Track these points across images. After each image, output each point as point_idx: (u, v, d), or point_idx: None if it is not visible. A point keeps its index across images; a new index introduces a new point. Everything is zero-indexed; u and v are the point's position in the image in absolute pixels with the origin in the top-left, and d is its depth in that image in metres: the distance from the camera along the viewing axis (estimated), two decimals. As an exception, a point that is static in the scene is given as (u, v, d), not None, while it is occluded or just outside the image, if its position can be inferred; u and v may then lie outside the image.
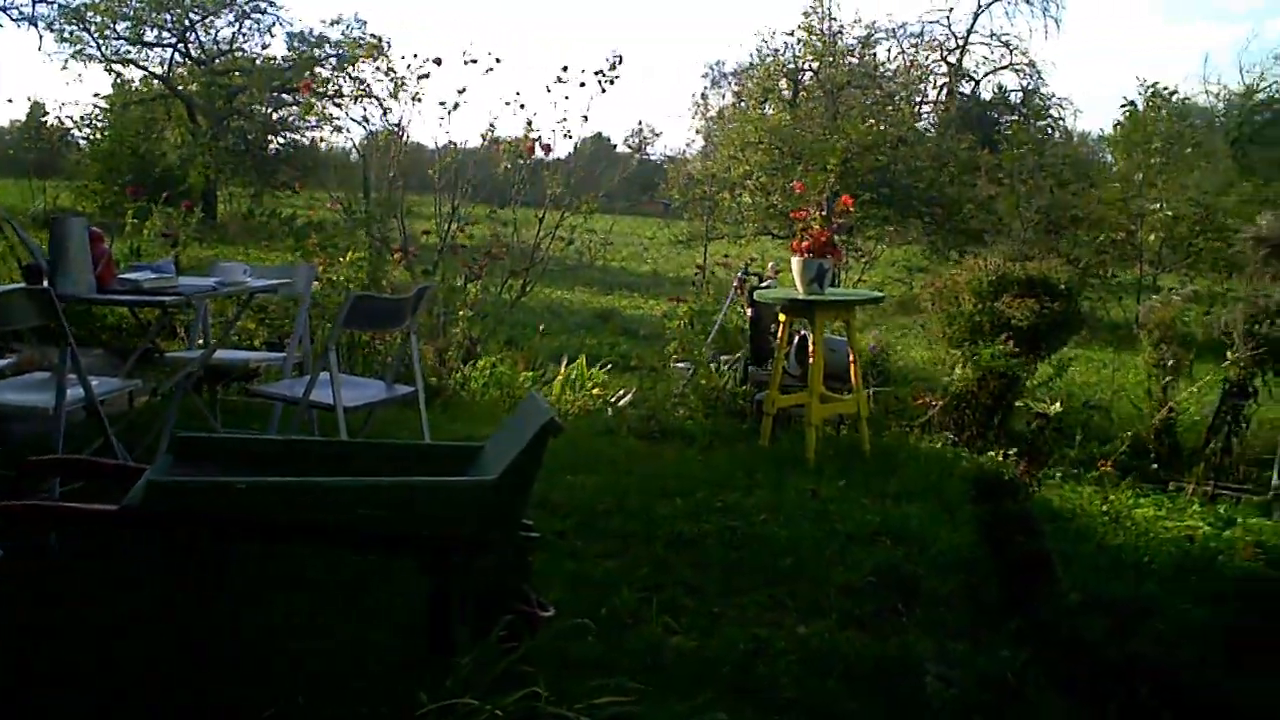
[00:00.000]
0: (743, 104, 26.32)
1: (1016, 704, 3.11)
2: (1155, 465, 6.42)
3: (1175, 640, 3.52)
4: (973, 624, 3.72)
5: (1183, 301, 6.88)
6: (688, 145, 33.26)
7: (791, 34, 25.92)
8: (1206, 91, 26.13)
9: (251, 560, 3.69)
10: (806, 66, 25.81)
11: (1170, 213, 14.68)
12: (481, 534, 2.96)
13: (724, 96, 30.71)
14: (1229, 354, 6.30)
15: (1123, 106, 16.99)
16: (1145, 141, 16.15)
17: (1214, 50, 52.44)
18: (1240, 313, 6.25)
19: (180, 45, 25.51)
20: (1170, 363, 6.60)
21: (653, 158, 36.39)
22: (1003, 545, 3.88)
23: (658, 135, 48.39)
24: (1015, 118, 29.43)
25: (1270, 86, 24.89)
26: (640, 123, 39.51)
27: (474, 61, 8.00)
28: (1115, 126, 17.51)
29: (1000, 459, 6.15)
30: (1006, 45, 31.35)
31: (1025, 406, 6.70)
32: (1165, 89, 16.97)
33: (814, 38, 25.00)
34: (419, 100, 8.66)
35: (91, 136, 23.47)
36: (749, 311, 7.35)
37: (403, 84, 8.78)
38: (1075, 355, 9.53)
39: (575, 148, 8.82)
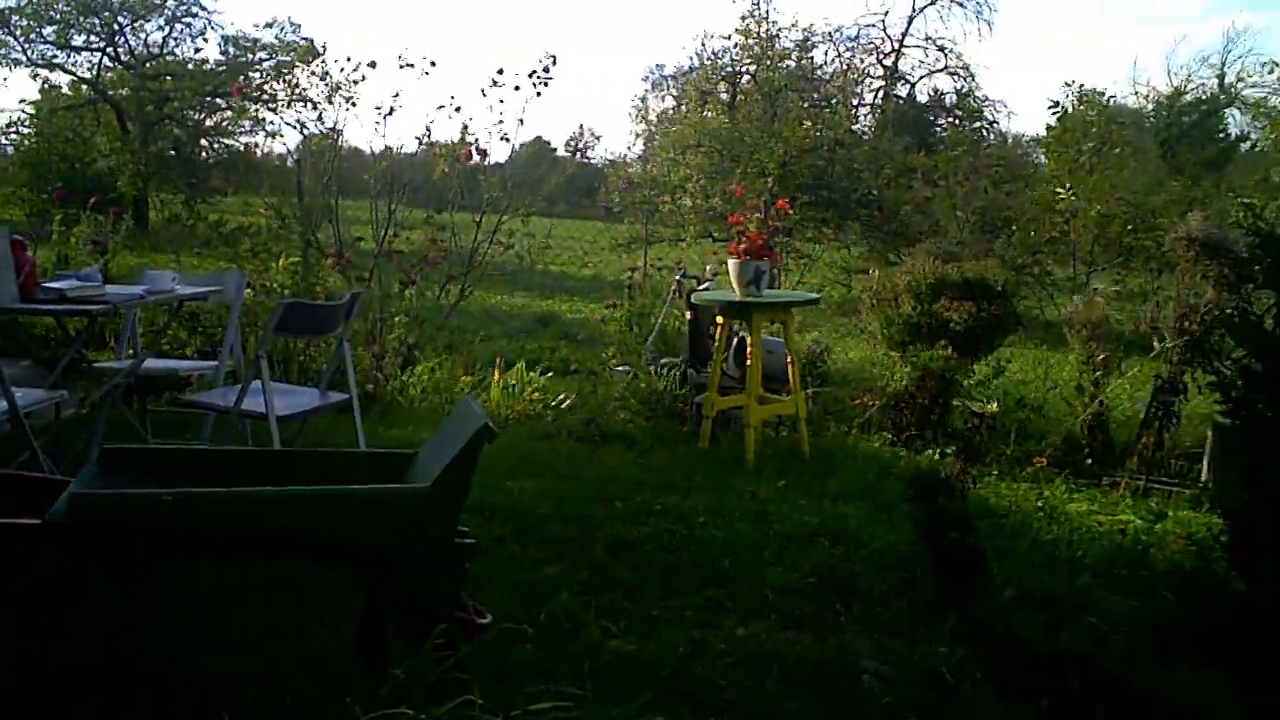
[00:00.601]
0: (682, 107, 26.43)
1: (952, 701, 3.14)
2: (1089, 461, 6.52)
3: (1107, 634, 3.57)
4: (910, 622, 3.75)
5: (1105, 300, 6.99)
6: (629, 149, 33.29)
7: (729, 38, 26.10)
8: (1136, 93, 26.67)
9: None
10: (744, 70, 25.96)
11: (1100, 210, 14.92)
12: (416, 541, 2.92)
13: (664, 100, 30.85)
14: (1156, 344, 6.41)
15: (1050, 109, 17.28)
16: (1076, 142, 16.42)
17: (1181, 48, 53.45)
18: (1171, 311, 6.36)
19: (109, 49, 25.01)
20: (1101, 359, 6.70)
21: (594, 161, 36.44)
22: (937, 543, 3.91)
23: (598, 139, 48.40)
24: (951, 120, 29.80)
25: (1197, 88, 25.51)
26: (581, 126, 39.42)
27: (410, 66, 7.91)
28: (1048, 128, 17.79)
29: (937, 458, 6.21)
30: (941, 49, 31.77)
31: (963, 406, 6.78)
32: (1094, 90, 17.28)
33: (752, 41, 25.17)
34: (354, 104, 8.58)
35: (18, 143, 22.93)
36: (688, 314, 7.37)
37: (338, 88, 8.69)
38: (1011, 355, 9.67)
39: (514, 151, 8.78)
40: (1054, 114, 17.22)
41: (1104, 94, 17.48)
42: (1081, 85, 17.29)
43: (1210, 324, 6.14)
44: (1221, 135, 25.07)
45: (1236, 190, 14.24)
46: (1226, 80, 26.11)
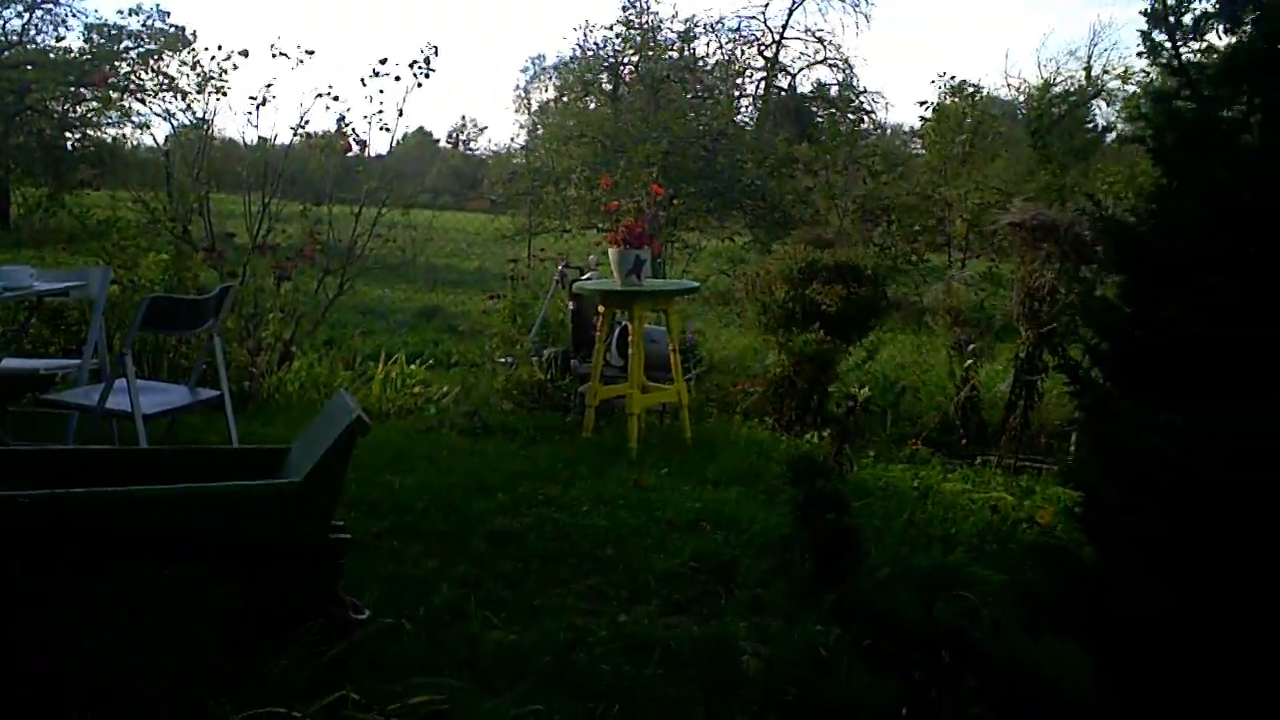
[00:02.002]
0: (564, 98, 26.38)
1: (830, 677, 3.21)
2: (964, 441, 6.71)
3: (978, 607, 3.69)
4: (789, 602, 3.82)
5: (962, 286, 7.18)
6: (512, 140, 33.12)
7: (611, 28, 26.11)
8: (1008, 85, 27.47)
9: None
10: (626, 60, 26.01)
11: (976, 199, 15.36)
12: (288, 538, 2.87)
13: (546, 90, 30.75)
14: (1021, 332, 6.62)
15: (923, 103, 17.73)
16: (950, 134, 16.90)
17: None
18: (1016, 294, 6.55)
19: (-38, 37, 23.93)
20: (968, 344, 6.90)
21: (478, 153, 36.16)
22: (814, 524, 3.98)
23: (482, 130, 48.03)
24: (831, 111, 30.26)
25: (1065, 81, 26.37)
26: (464, 117, 38.96)
27: (284, 55, 7.73)
28: (923, 120, 18.26)
29: (817, 441, 6.32)
30: (820, 41, 32.23)
31: (840, 389, 6.91)
32: (966, 82, 17.81)
33: (633, 32, 25.23)
34: (225, 94, 8.36)
35: None
36: (570, 304, 7.36)
37: (209, 78, 8.46)
38: (888, 339, 9.88)
39: (396, 142, 8.65)
40: (927, 107, 17.69)
41: (976, 86, 18.02)
42: (954, 77, 17.79)
43: (1059, 306, 6.33)
44: (1090, 125, 25.95)
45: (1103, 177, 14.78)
46: (1093, 73, 27.04)
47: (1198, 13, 2.07)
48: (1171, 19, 2.05)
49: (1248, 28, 2.00)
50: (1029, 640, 3.26)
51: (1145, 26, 2.08)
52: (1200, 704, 2.27)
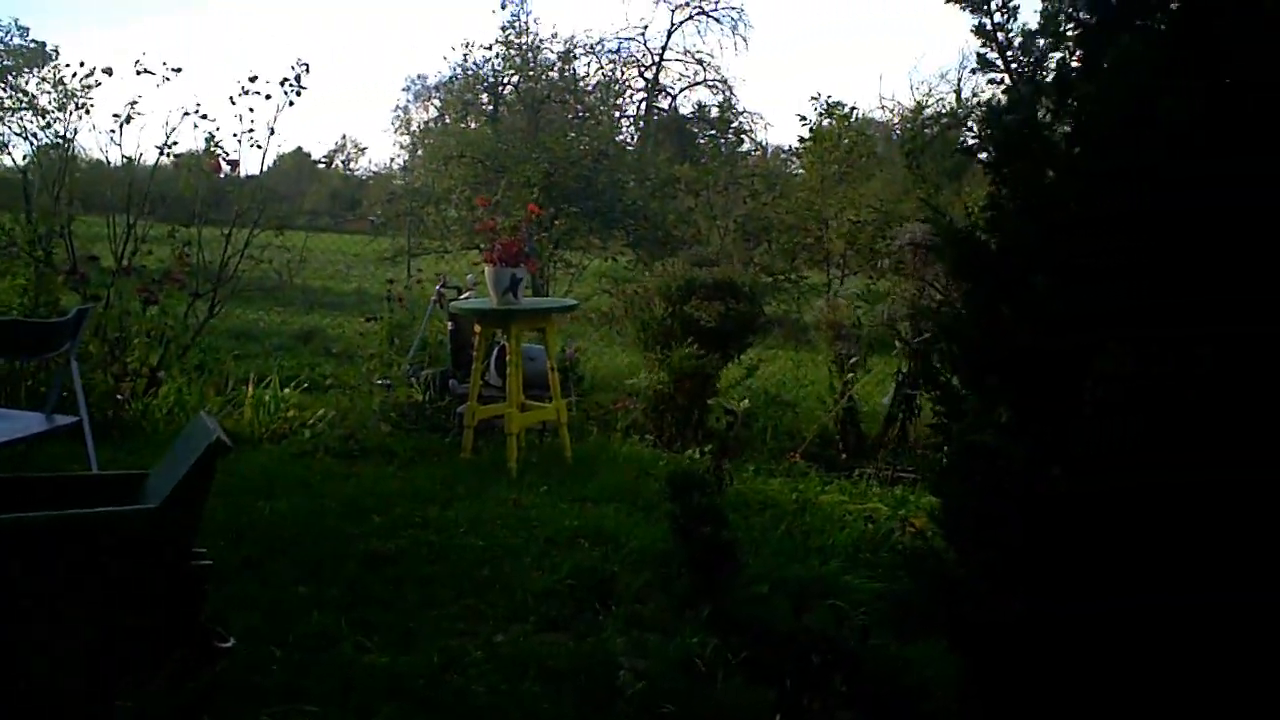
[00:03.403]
0: (445, 118, 26.21)
1: (704, 686, 3.23)
2: (843, 454, 6.82)
3: (849, 614, 3.76)
4: (667, 615, 3.83)
5: (847, 302, 7.34)
6: (393, 161, 32.78)
7: (490, 48, 26.06)
8: (883, 107, 28.15)
9: None
10: (507, 80, 25.98)
11: (852, 217, 15.67)
12: (146, 565, 2.77)
13: (427, 110, 30.53)
14: (897, 344, 6.77)
15: (802, 119, 18.07)
16: (828, 153, 17.23)
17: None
18: (901, 310, 6.73)
19: None
20: (850, 359, 7.03)
21: (358, 174, 35.69)
22: (692, 538, 4.01)
23: (362, 151, 47.34)
24: (712, 132, 30.64)
25: (937, 102, 27.16)
26: (344, 137, 38.35)
27: (149, 72, 7.50)
28: (800, 140, 18.60)
29: (697, 456, 6.36)
30: (700, 62, 32.64)
31: (719, 404, 6.97)
32: (840, 104, 18.21)
33: (513, 52, 25.23)
34: (89, 112, 8.09)
35: None
36: (449, 324, 7.29)
37: (71, 95, 8.19)
38: (770, 355, 10.01)
39: (269, 162, 8.45)
40: (805, 126, 18.03)
41: (850, 107, 18.45)
42: (829, 98, 18.19)
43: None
44: (962, 145, 26.69)
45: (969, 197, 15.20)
46: (963, 95, 27.88)
47: (1024, 30, 2.16)
48: (1000, 36, 2.13)
49: (1070, 43, 2.09)
50: (899, 645, 3.34)
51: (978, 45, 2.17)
52: (1056, 711, 2.33)
